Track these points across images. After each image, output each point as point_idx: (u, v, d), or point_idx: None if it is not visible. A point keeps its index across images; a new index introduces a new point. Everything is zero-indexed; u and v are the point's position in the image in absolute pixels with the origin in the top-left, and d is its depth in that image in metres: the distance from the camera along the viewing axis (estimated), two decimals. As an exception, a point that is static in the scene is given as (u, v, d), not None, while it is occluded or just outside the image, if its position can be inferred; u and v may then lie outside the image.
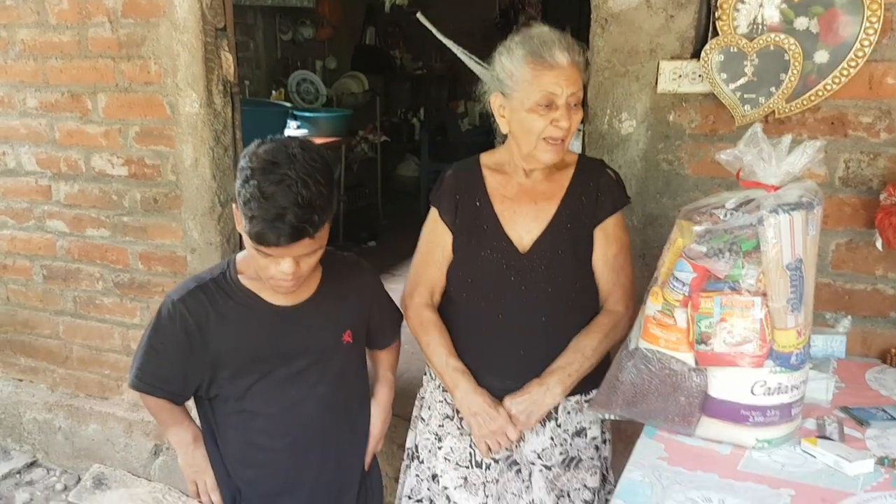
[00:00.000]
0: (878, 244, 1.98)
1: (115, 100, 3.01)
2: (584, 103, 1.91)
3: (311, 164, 1.55)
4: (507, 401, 1.85)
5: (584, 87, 1.93)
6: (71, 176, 3.20)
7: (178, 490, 3.25)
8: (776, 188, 1.47)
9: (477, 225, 1.89)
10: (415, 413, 2.10)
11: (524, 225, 1.87)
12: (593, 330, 1.86)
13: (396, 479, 2.87)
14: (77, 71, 3.04)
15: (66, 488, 3.37)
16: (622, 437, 2.12)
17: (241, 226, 1.62)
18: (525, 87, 1.74)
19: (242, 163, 1.57)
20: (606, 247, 1.88)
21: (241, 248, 1.81)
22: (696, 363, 1.53)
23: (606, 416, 1.77)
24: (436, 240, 1.95)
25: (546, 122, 1.74)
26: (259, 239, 1.55)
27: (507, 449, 1.90)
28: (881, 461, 1.49)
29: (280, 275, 1.62)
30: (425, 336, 1.94)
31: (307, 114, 6.01)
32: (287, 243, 1.54)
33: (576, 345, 1.85)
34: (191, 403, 1.90)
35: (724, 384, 1.52)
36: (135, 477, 3.36)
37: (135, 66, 2.92)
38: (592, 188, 1.87)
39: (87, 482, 3.34)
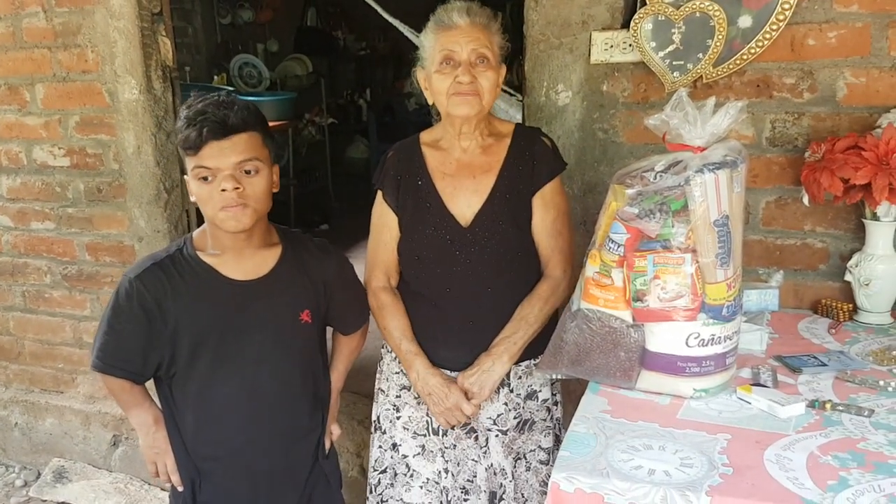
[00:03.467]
0: (805, 200, 2.06)
1: (53, 90, 2.97)
2: (522, 76, 1.95)
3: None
4: (460, 377, 1.92)
5: (521, 60, 1.96)
6: (12, 169, 3.16)
7: (140, 479, 3.24)
8: (702, 149, 1.53)
9: (420, 203, 1.93)
10: (377, 385, 2.14)
11: (465, 199, 1.92)
12: (534, 298, 1.92)
13: (357, 454, 2.93)
14: (13, 63, 3.00)
15: (26, 484, 3.35)
16: (572, 399, 2.18)
17: (192, 186, 1.72)
18: (431, 53, 1.85)
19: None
20: (545, 213, 1.93)
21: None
22: (634, 320, 1.59)
23: (553, 376, 1.83)
24: (383, 222, 1.99)
25: (451, 80, 1.82)
26: (187, 142, 1.66)
27: (464, 423, 1.95)
28: (812, 404, 1.56)
29: (225, 196, 1.67)
30: (382, 320, 2.00)
31: (251, 97, 5.92)
32: (211, 138, 1.64)
33: (519, 313, 1.91)
34: (152, 386, 1.89)
35: (660, 338, 1.58)
36: (96, 469, 3.34)
37: (72, 55, 2.89)
38: (528, 157, 1.92)
39: (48, 476, 3.32)
